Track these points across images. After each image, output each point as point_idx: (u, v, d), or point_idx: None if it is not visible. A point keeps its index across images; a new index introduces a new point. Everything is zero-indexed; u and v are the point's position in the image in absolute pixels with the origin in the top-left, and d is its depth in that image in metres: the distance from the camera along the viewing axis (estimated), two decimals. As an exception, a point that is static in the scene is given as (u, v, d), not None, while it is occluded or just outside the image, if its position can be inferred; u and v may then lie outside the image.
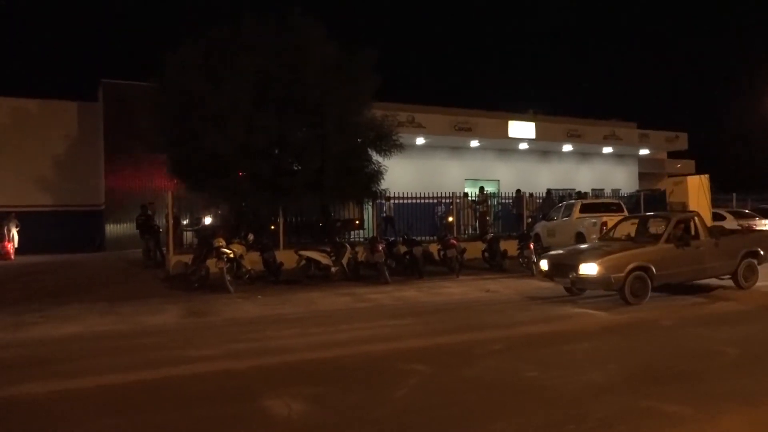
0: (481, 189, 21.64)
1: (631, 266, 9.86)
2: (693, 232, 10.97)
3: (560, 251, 11.66)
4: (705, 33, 75.70)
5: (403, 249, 14.96)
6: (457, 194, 19.98)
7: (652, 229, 11.72)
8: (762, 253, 11.46)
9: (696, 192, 12.90)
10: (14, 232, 20.94)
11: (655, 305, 9.93)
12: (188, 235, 17.24)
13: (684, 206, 12.36)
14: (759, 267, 11.44)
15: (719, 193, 25.21)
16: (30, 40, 59.67)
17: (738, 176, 36.97)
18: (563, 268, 10.47)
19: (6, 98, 23.54)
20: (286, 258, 14.43)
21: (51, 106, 24.23)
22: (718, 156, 42.74)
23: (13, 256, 20.27)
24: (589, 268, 9.90)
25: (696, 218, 11.13)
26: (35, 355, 7.33)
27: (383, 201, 18.39)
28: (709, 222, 11.77)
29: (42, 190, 23.61)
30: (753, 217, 18.97)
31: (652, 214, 13.03)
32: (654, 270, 10.01)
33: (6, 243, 20.33)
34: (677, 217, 11.22)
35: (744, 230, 11.80)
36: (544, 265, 11.03)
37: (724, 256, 11.01)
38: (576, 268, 10.06)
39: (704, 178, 13.34)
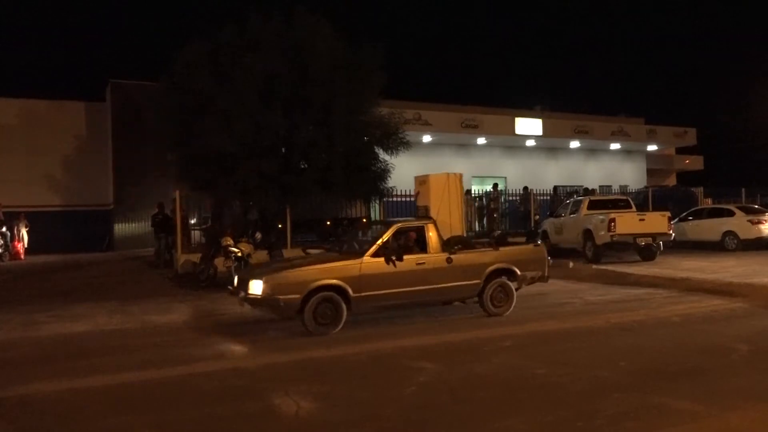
0: (495, 186, 21.51)
1: (314, 285, 7.80)
2: (423, 244, 8.78)
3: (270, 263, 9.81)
4: (715, 26, 75.28)
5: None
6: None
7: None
8: (519, 272, 9.07)
9: (440, 194, 10.18)
10: (24, 232, 21.08)
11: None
12: (196, 234, 17.29)
13: (427, 211, 10.28)
14: (516, 289, 9.18)
15: (728, 187, 24.92)
16: (38, 40, 60.10)
17: (748, 171, 36.72)
18: (242, 284, 8.42)
19: (14, 99, 23.62)
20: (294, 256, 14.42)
21: (59, 106, 24.27)
22: (728, 151, 42.47)
23: (23, 256, 20.42)
24: (256, 287, 7.93)
25: (428, 227, 8.85)
26: (45, 354, 7.38)
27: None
28: (457, 230, 9.50)
29: (51, 190, 23.69)
30: (763, 212, 18.81)
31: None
32: (351, 291, 7.95)
33: (16, 243, 20.47)
34: (397, 225, 8.91)
35: (493, 244, 9.50)
36: (236, 279, 9.06)
37: (461, 275, 8.73)
38: (247, 286, 8.12)
39: (453, 177, 10.50)
